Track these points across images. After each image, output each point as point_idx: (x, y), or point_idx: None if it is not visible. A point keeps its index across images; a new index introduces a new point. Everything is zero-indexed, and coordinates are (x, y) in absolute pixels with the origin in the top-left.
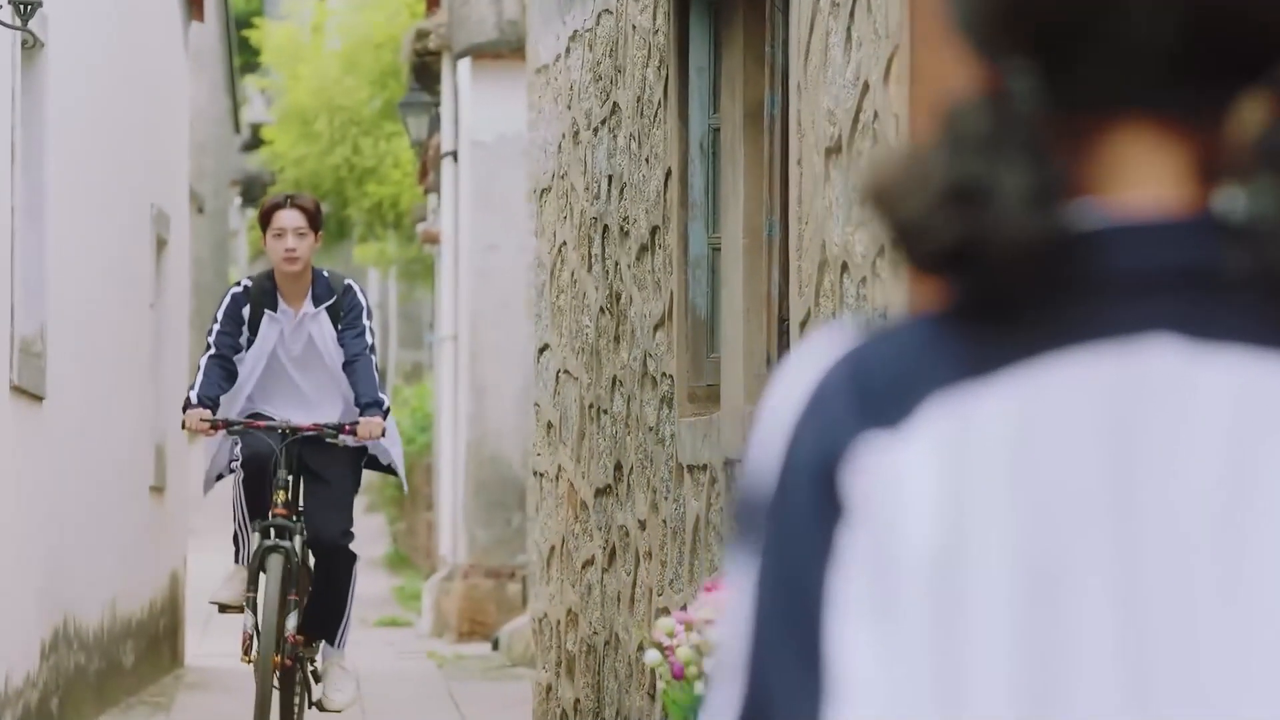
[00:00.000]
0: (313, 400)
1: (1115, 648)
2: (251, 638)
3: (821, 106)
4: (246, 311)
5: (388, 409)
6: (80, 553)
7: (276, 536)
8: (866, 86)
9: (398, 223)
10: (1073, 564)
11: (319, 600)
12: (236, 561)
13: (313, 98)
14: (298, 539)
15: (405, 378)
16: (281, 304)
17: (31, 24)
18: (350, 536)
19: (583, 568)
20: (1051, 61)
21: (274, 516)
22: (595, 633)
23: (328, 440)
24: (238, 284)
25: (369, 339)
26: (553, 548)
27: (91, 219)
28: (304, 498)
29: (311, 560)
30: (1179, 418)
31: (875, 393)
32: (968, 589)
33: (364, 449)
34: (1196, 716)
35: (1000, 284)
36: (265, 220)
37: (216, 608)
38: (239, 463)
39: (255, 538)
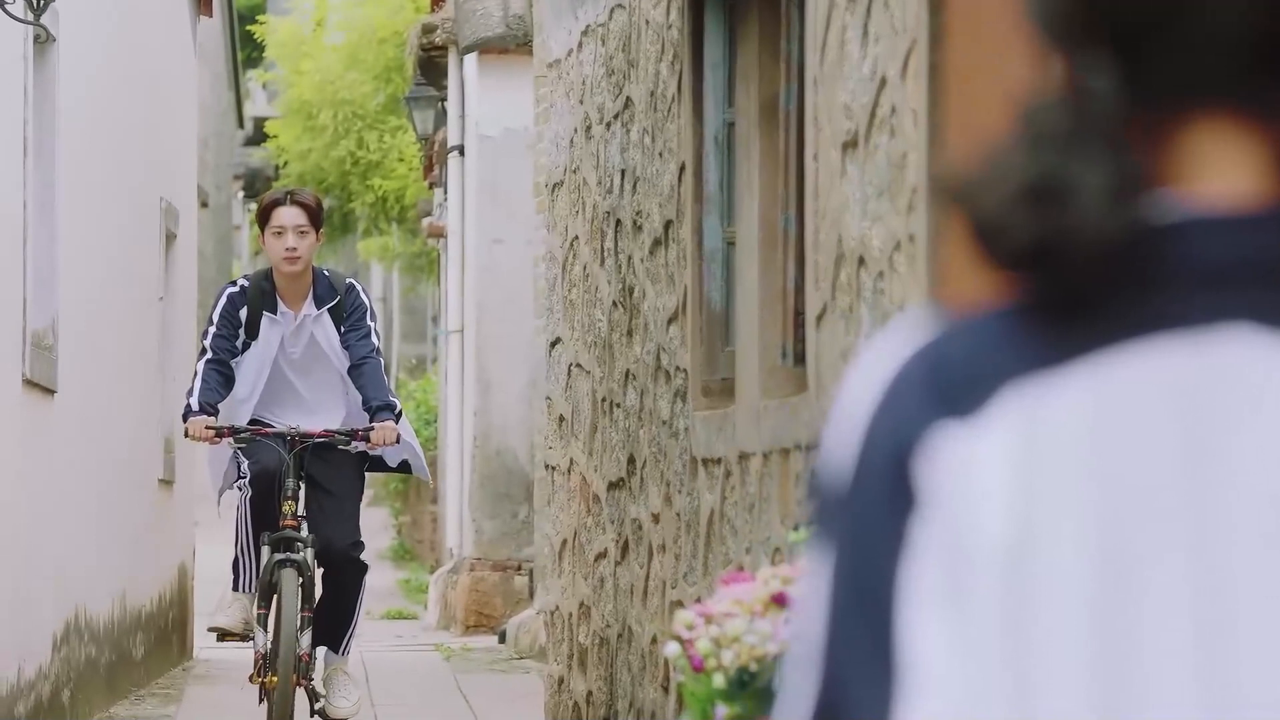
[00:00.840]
0: (313, 405)
1: (1191, 640)
2: (264, 659)
3: (838, 101)
4: (244, 314)
5: (400, 411)
6: (90, 545)
7: (286, 550)
8: (884, 81)
9: (402, 217)
10: (1147, 555)
11: (326, 611)
12: (236, 589)
13: (316, 92)
14: (309, 551)
15: (409, 372)
16: (281, 305)
17: (43, 19)
18: (361, 547)
19: (595, 561)
20: (1128, 56)
21: (284, 529)
22: (608, 625)
23: (340, 447)
24: (233, 284)
25: (375, 340)
26: (565, 541)
27: (102, 213)
28: (308, 509)
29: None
30: (1254, 408)
31: (950, 384)
32: (1040, 581)
33: (364, 455)
34: (1276, 707)
35: (1079, 279)
36: (264, 217)
37: (215, 635)
38: (247, 480)
39: (264, 551)
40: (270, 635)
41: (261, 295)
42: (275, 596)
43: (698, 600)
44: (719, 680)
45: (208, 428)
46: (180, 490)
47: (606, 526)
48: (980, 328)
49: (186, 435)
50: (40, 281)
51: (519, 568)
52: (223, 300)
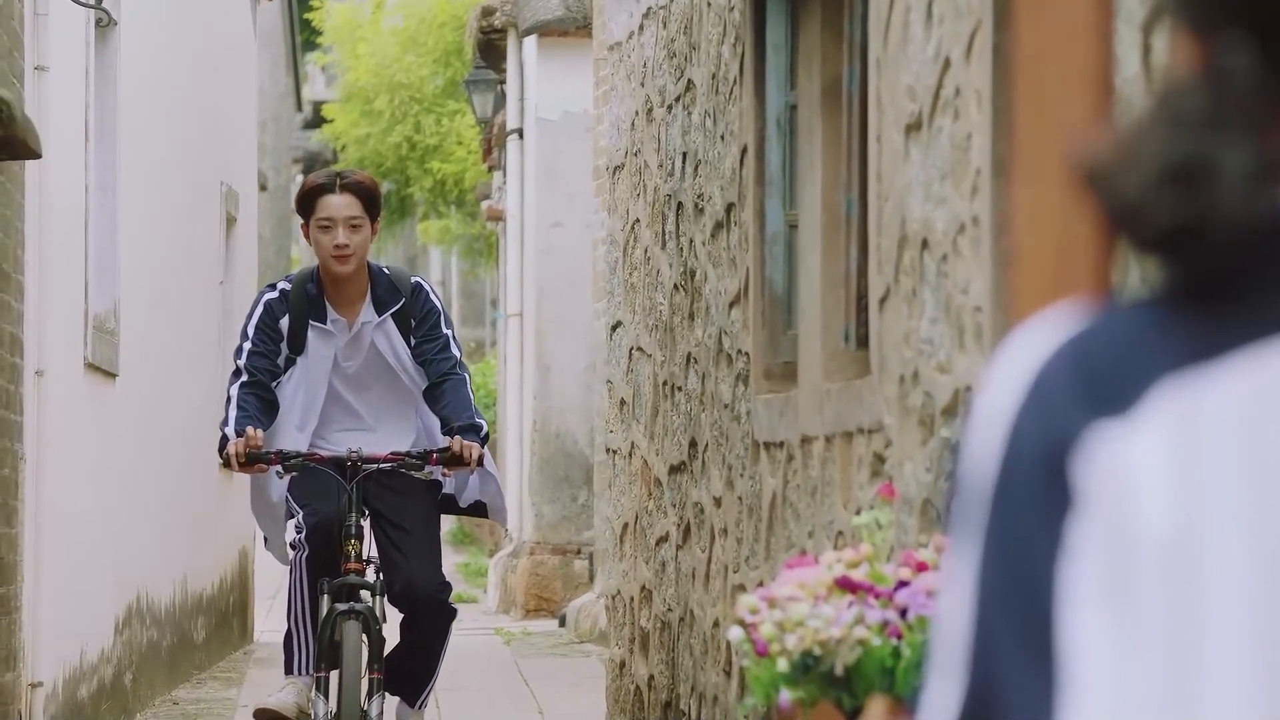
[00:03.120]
0: (375, 428)
1: None
2: None
3: (901, 83)
4: (285, 324)
5: (487, 434)
6: (152, 529)
7: (349, 598)
8: (948, 63)
9: (460, 200)
10: None
11: (404, 660)
12: (289, 672)
13: (373, 76)
14: (378, 600)
15: (468, 356)
16: (331, 312)
17: (104, 3)
18: (448, 588)
19: (656, 544)
20: (1269, 36)
21: (346, 573)
22: (669, 610)
23: (411, 474)
24: (271, 288)
25: (455, 351)
26: (626, 525)
27: (163, 196)
28: (380, 548)
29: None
30: None
31: (1101, 379)
32: (1204, 580)
33: (437, 486)
34: None
35: (1223, 265)
36: (307, 206)
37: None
38: (301, 536)
39: (324, 601)
40: (333, 704)
41: (307, 301)
42: (337, 655)
43: (760, 584)
44: (782, 664)
45: (249, 447)
46: (241, 474)
47: (668, 510)
48: (1125, 320)
49: (225, 465)
50: (102, 265)
51: (578, 551)
52: (259, 309)
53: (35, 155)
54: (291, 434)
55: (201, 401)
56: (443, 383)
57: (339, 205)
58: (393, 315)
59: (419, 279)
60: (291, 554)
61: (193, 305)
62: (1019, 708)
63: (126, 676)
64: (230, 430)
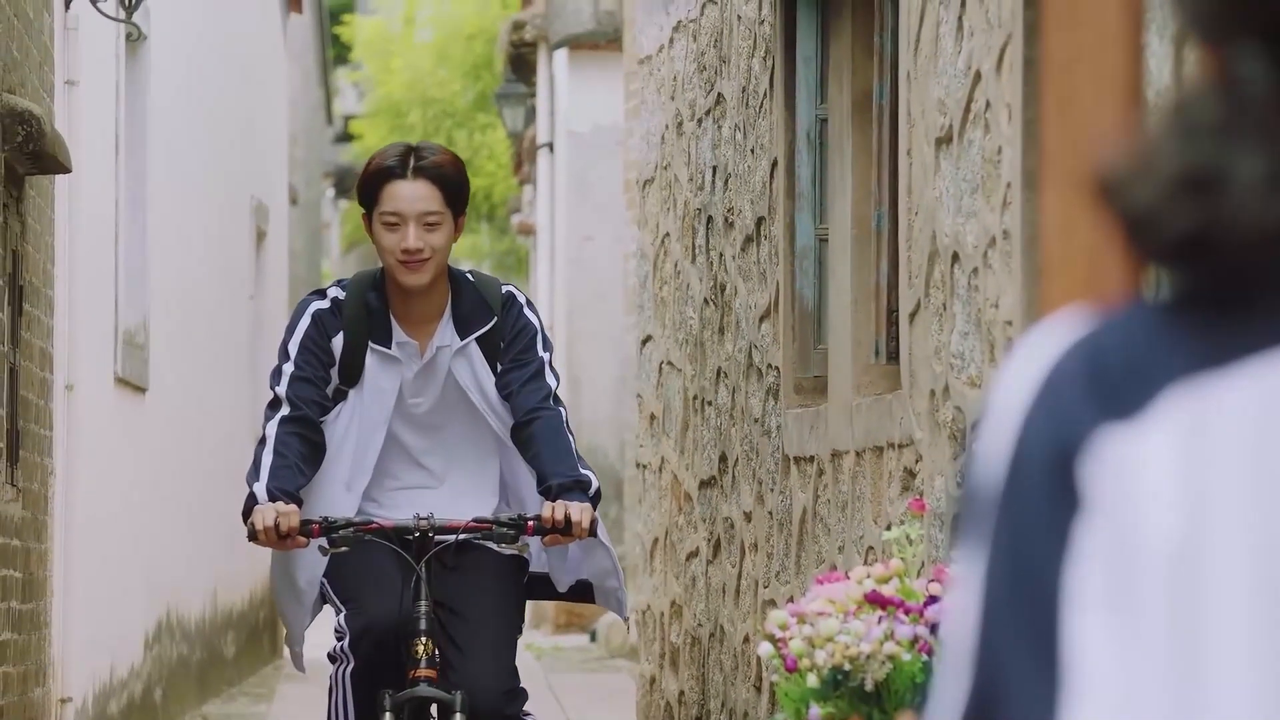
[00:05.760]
0: (445, 485)
1: None
2: None
3: (932, 96)
4: (338, 343)
5: (599, 492)
6: (182, 544)
7: (420, 717)
8: (978, 76)
9: (491, 214)
10: None
11: None
12: None
13: (405, 90)
14: (458, 716)
15: None
16: (398, 332)
17: (135, 17)
18: (523, 696)
19: (687, 559)
20: None
21: (415, 682)
22: (700, 625)
23: (490, 545)
24: (319, 295)
25: (550, 381)
26: (656, 539)
27: (192, 211)
28: (438, 641)
29: None
30: None
31: (1110, 382)
32: (1208, 586)
33: (523, 563)
34: None
35: (1236, 272)
36: (369, 195)
37: None
38: (345, 643)
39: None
40: None
41: (368, 316)
42: None
43: (790, 599)
44: (812, 680)
45: (280, 515)
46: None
47: (698, 525)
48: (1135, 323)
49: (253, 538)
50: (131, 280)
51: None
52: (304, 322)
53: (65, 170)
54: (337, 494)
55: (230, 416)
56: (531, 421)
57: (411, 196)
58: (478, 338)
59: (510, 287)
60: (332, 666)
61: (223, 320)
62: (1022, 708)
63: (156, 692)
64: (261, 489)
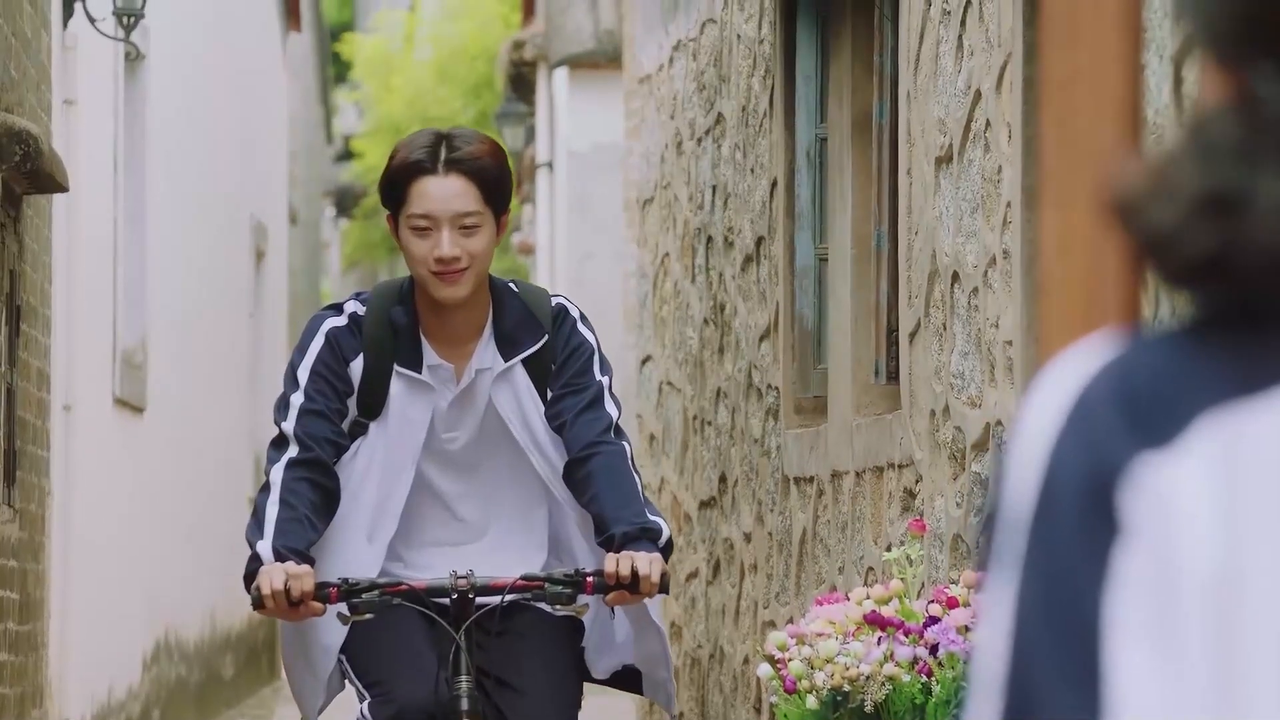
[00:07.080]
0: (486, 537)
1: None
2: None
3: (932, 115)
4: (357, 368)
5: (669, 541)
6: (181, 564)
7: None
8: (978, 95)
9: None
10: None
11: None
12: None
13: (405, 109)
14: None
15: None
16: (430, 353)
17: (133, 36)
18: None
19: (687, 580)
20: None
21: None
22: (699, 646)
23: (554, 609)
24: (335, 311)
25: (612, 410)
26: None
27: (191, 230)
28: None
29: None
30: None
31: (1144, 410)
32: (1247, 615)
33: (580, 629)
34: None
35: (1259, 294)
36: (395, 193)
37: None
38: None
39: None
40: None
41: (393, 335)
42: None
43: (790, 620)
44: (812, 701)
45: (291, 579)
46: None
47: (698, 546)
48: (1164, 350)
49: (259, 605)
50: (130, 299)
51: None
52: (317, 342)
53: (63, 189)
54: (357, 548)
55: (229, 437)
56: (590, 457)
57: (443, 195)
58: (525, 360)
59: (562, 299)
60: None
61: (222, 339)
62: None
63: (154, 713)
64: (266, 548)
